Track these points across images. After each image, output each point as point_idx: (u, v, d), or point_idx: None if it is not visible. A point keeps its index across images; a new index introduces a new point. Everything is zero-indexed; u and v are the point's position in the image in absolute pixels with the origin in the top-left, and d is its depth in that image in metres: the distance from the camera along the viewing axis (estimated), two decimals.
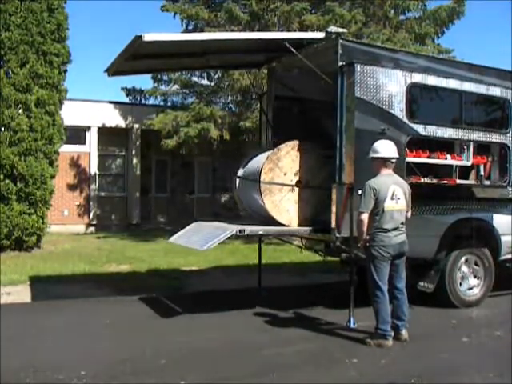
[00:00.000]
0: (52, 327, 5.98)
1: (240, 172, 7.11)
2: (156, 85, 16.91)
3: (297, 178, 6.51)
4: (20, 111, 11.69)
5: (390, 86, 6.21)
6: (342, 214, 5.86)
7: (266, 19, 14.31)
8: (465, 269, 6.88)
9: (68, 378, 4.35)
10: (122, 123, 18.23)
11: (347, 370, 4.61)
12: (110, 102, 18.15)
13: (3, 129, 11.54)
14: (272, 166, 6.42)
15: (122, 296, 7.48)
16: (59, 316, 6.46)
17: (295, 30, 13.50)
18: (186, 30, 15.47)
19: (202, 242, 6.07)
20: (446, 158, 6.85)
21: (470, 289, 6.93)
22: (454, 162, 6.96)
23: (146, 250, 12.28)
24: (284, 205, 6.42)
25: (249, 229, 6.20)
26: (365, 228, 5.30)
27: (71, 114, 14.32)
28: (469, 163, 7.01)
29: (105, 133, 17.95)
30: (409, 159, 6.36)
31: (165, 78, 16.39)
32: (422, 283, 6.62)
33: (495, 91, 7.01)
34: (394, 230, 5.30)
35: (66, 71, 12.40)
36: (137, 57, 6.38)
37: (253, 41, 6.73)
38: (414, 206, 5.63)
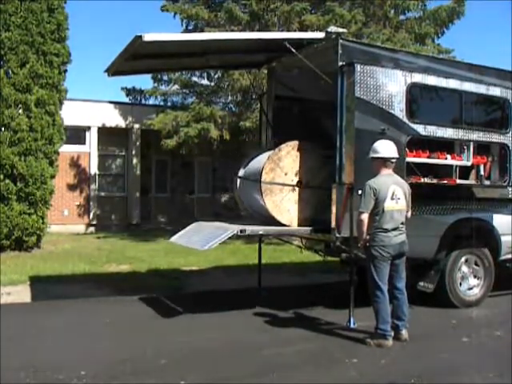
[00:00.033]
0: (52, 327, 5.98)
1: (241, 172, 7.11)
2: (156, 85, 16.93)
3: (297, 177, 6.51)
4: (20, 111, 11.69)
5: (390, 85, 6.21)
6: (342, 213, 5.86)
7: (266, 19, 14.31)
8: (465, 269, 6.88)
9: (68, 378, 4.35)
10: (122, 123, 18.23)
11: (347, 370, 4.61)
12: (110, 102, 18.15)
13: (3, 129, 11.54)
14: (273, 166, 6.42)
15: (122, 296, 7.48)
16: (59, 316, 6.46)
17: (295, 30, 13.50)
18: (186, 30, 15.47)
19: (202, 242, 6.07)
20: (446, 158, 6.84)
21: (470, 289, 6.93)
22: (454, 162, 6.96)
23: (146, 250, 12.28)
24: (285, 205, 6.42)
25: (250, 229, 6.20)
26: (365, 228, 5.30)
27: (71, 114, 14.33)
28: (469, 163, 7.01)
29: (105, 133, 17.95)
30: (409, 159, 6.36)
31: (165, 77, 16.40)
32: (421, 283, 6.62)
33: (495, 91, 7.01)
34: (394, 230, 5.30)
35: (65, 71, 12.41)
36: (137, 57, 6.38)
37: (253, 41, 6.73)
38: (414, 206, 5.63)
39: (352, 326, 5.81)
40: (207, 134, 14.67)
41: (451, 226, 6.59)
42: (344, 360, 4.86)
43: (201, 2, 15.26)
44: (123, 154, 18.91)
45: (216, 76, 15.91)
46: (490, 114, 7.51)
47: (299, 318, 6.44)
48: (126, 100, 18.07)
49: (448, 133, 6.70)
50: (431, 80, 6.54)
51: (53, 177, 12.18)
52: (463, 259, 6.85)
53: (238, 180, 7.14)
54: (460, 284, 6.83)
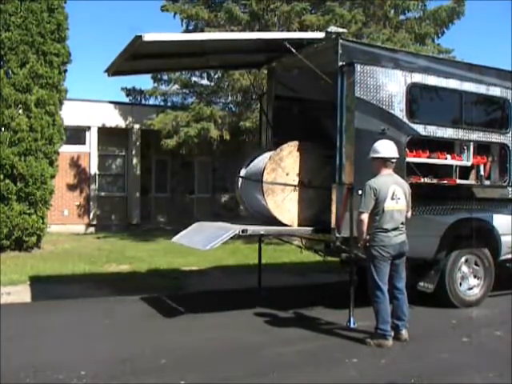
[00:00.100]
0: (52, 327, 5.98)
1: (242, 172, 7.11)
2: (156, 85, 16.94)
3: (299, 178, 6.51)
4: (20, 111, 11.70)
5: (390, 85, 6.21)
6: (342, 214, 5.86)
7: (266, 19, 14.31)
8: (465, 269, 6.87)
9: (68, 378, 4.35)
10: (122, 123, 18.22)
11: (347, 370, 4.62)
12: (110, 102, 18.15)
13: (3, 129, 11.55)
14: (274, 167, 6.42)
15: (121, 296, 7.47)
16: (59, 316, 6.46)
17: (295, 30, 13.49)
18: (186, 30, 15.47)
19: (204, 242, 6.06)
20: (446, 158, 6.85)
21: (470, 289, 6.93)
22: (454, 162, 6.96)
23: (146, 250, 12.28)
24: (286, 205, 6.42)
25: (251, 229, 6.19)
26: (365, 228, 5.30)
27: (71, 114, 14.33)
28: (469, 163, 7.01)
29: (105, 133, 17.94)
30: (409, 159, 6.36)
31: (165, 77, 16.42)
32: (421, 283, 6.62)
33: (495, 91, 7.01)
34: (394, 229, 5.30)
35: (65, 71, 12.41)
36: (137, 57, 6.38)
37: (253, 41, 6.73)
38: (414, 206, 5.63)
39: (352, 325, 5.81)
40: (207, 134, 14.68)
41: (451, 226, 6.59)
42: (344, 360, 4.86)
43: (201, 2, 15.26)
44: (123, 154, 18.91)
45: (216, 76, 15.91)
46: (490, 114, 7.51)
47: (299, 318, 6.44)
48: (126, 100, 18.11)
49: (448, 133, 6.70)
50: (431, 80, 6.54)
51: (53, 177, 12.18)
52: (463, 259, 6.85)
53: (240, 180, 7.14)
54: (460, 284, 6.83)
